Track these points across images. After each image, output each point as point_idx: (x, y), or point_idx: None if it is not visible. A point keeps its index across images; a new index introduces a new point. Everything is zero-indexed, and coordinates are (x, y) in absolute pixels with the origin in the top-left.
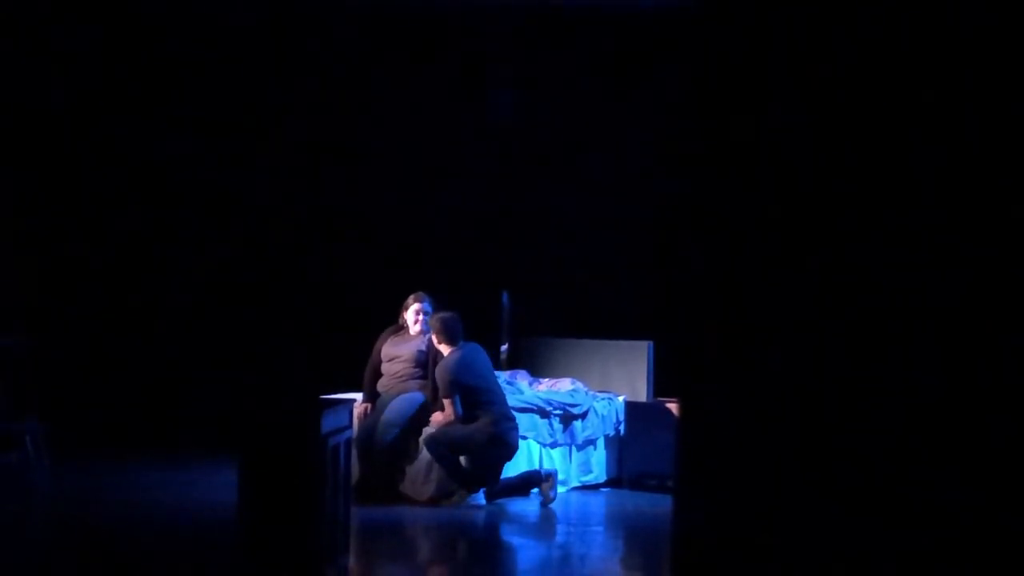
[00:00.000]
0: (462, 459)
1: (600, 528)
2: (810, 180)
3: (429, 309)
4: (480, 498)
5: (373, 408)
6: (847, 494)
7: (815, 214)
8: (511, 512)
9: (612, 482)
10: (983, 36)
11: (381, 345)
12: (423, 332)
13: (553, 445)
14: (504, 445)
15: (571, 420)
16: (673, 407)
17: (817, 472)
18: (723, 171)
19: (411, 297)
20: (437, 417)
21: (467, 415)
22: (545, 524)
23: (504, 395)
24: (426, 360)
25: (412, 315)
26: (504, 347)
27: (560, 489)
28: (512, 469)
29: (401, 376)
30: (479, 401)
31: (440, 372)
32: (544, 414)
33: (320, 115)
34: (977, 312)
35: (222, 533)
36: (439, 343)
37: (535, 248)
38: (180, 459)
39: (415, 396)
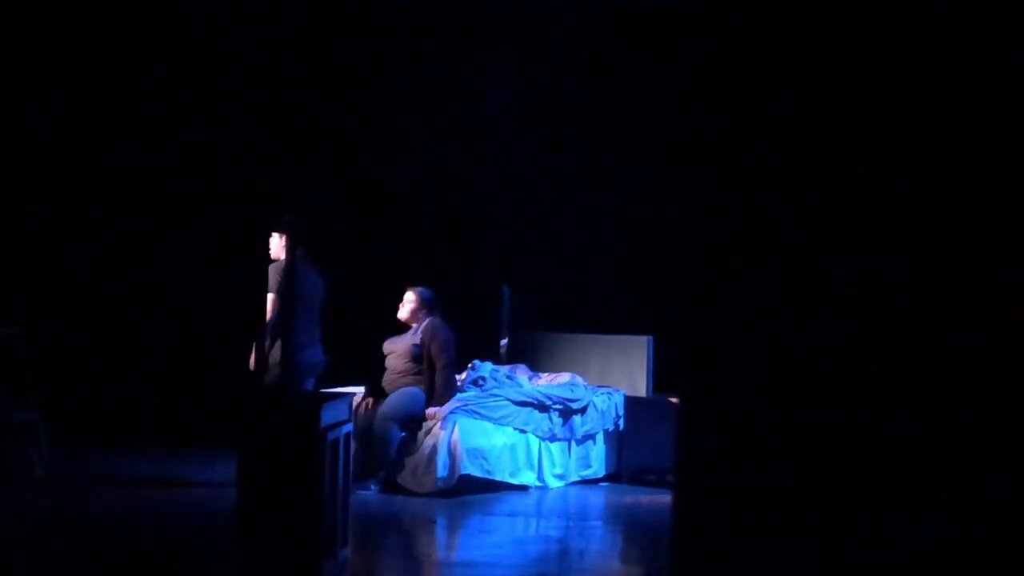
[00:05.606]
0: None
1: (599, 523)
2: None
3: (427, 295)
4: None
5: (375, 403)
6: (845, 489)
7: (815, 213)
8: (510, 506)
9: (611, 477)
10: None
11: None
12: (411, 322)
13: (552, 439)
14: None
15: (570, 415)
16: (673, 402)
17: (815, 467)
18: (722, 168)
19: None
20: (430, 411)
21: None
22: (544, 518)
23: None
24: (420, 354)
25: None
26: (504, 341)
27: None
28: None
29: (397, 371)
30: None
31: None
32: (543, 408)
33: (319, 111)
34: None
35: (221, 525)
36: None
37: (535, 242)
38: (180, 451)
39: (413, 390)
